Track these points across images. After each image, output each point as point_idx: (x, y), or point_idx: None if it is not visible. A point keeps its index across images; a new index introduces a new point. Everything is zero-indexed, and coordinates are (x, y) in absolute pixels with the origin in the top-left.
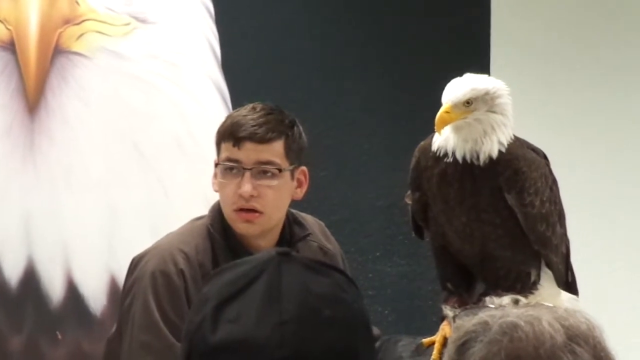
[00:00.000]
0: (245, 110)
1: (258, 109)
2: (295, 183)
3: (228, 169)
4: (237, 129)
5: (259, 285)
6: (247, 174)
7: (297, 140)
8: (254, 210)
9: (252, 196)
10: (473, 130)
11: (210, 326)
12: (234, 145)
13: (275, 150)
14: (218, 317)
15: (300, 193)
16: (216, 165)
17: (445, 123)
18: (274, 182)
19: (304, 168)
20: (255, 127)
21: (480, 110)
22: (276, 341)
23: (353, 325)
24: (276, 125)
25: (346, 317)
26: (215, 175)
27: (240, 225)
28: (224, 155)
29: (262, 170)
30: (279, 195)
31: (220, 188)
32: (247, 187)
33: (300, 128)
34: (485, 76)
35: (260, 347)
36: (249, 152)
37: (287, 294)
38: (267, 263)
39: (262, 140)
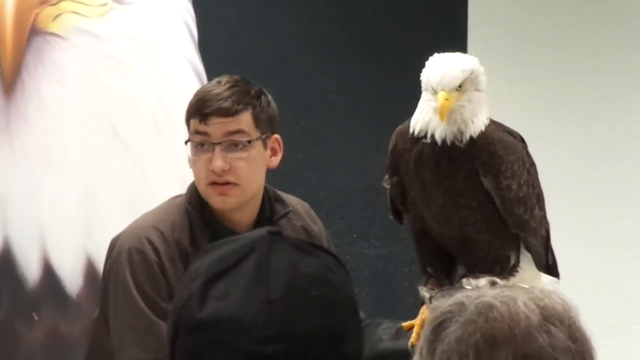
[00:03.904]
0: (210, 85)
1: (223, 82)
2: (269, 152)
3: (198, 145)
4: (202, 104)
5: (248, 263)
6: (217, 148)
7: (266, 109)
8: (227, 183)
9: (224, 170)
10: (465, 111)
11: (198, 302)
12: (200, 122)
13: (243, 122)
14: (206, 294)
15: (275, 161)
16: (187, 142)
17: (449, 109)
18: (245, 154)
19: (277, 136)
20: (220, 101)
21: (469, 90)
22: (262, 320)
23: (340, 307)
24: (242, 96)
25: (333, 299)
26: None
27: (215, 200)
28: (193, 131)
29: (233, 143)
30: (252, 166)
31: (192, 165)
32: (218, 162)
33: (269, 97)
34: (459, 54)
35: (247, 325)
36: (217, 127)
37: (275, 273)
38: (258, 241)
39: (229, 113)
